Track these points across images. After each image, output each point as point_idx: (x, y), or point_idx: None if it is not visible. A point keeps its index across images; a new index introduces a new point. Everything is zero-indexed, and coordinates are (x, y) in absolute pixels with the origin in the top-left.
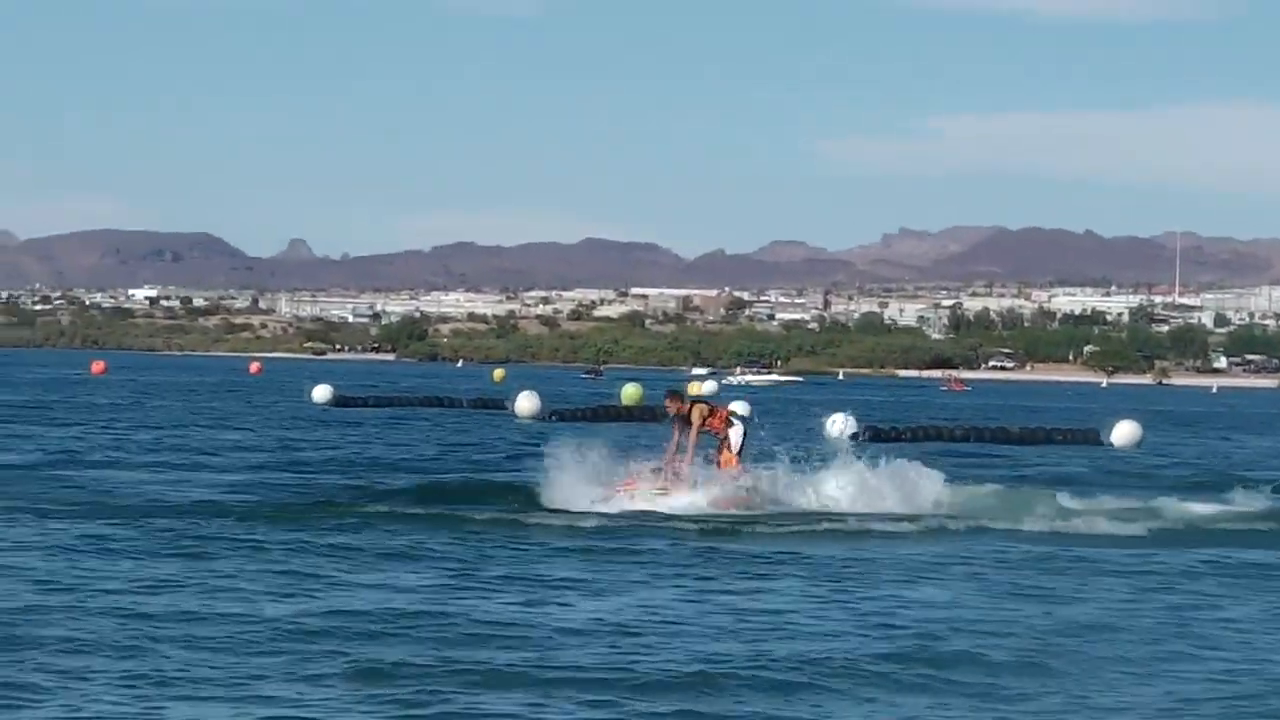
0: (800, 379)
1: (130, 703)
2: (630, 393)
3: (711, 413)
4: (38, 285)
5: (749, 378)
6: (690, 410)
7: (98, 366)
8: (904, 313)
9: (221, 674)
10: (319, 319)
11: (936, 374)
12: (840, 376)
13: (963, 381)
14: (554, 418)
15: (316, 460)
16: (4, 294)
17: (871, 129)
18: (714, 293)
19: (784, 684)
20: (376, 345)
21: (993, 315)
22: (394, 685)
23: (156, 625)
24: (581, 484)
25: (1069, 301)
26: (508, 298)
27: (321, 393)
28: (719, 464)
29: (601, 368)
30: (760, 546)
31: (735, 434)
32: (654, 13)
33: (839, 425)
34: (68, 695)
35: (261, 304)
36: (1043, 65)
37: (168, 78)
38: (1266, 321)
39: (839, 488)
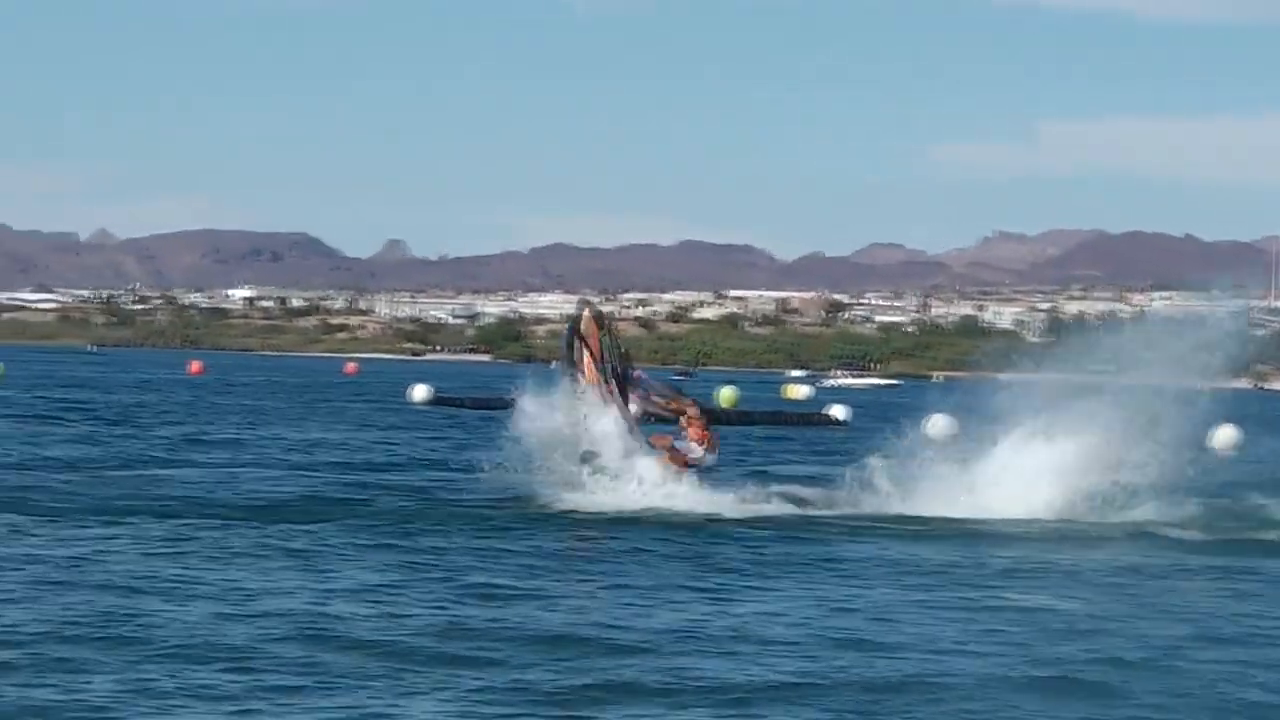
0: (898, 382)
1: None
2: (727, 395)
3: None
4: (136, 285)
5: (846, 380)
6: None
7: (195, 366)
8: (1001, 316)
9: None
10: (416, 320)
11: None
12: (938, 379)
13: None
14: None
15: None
16: (103, 293)
17: (971, 131)
18: (811, 295)
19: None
20: (473, 346)
21: (1090, 319)
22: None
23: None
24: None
25: (1168, 305)
26: (605, 299)
27: (420, 392)
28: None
29: (693, 369)
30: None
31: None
32: (751, 16)
33: (937, 427)
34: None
35: (359, 304)
36: (1143, 68)
37: (268, 79)
38: None
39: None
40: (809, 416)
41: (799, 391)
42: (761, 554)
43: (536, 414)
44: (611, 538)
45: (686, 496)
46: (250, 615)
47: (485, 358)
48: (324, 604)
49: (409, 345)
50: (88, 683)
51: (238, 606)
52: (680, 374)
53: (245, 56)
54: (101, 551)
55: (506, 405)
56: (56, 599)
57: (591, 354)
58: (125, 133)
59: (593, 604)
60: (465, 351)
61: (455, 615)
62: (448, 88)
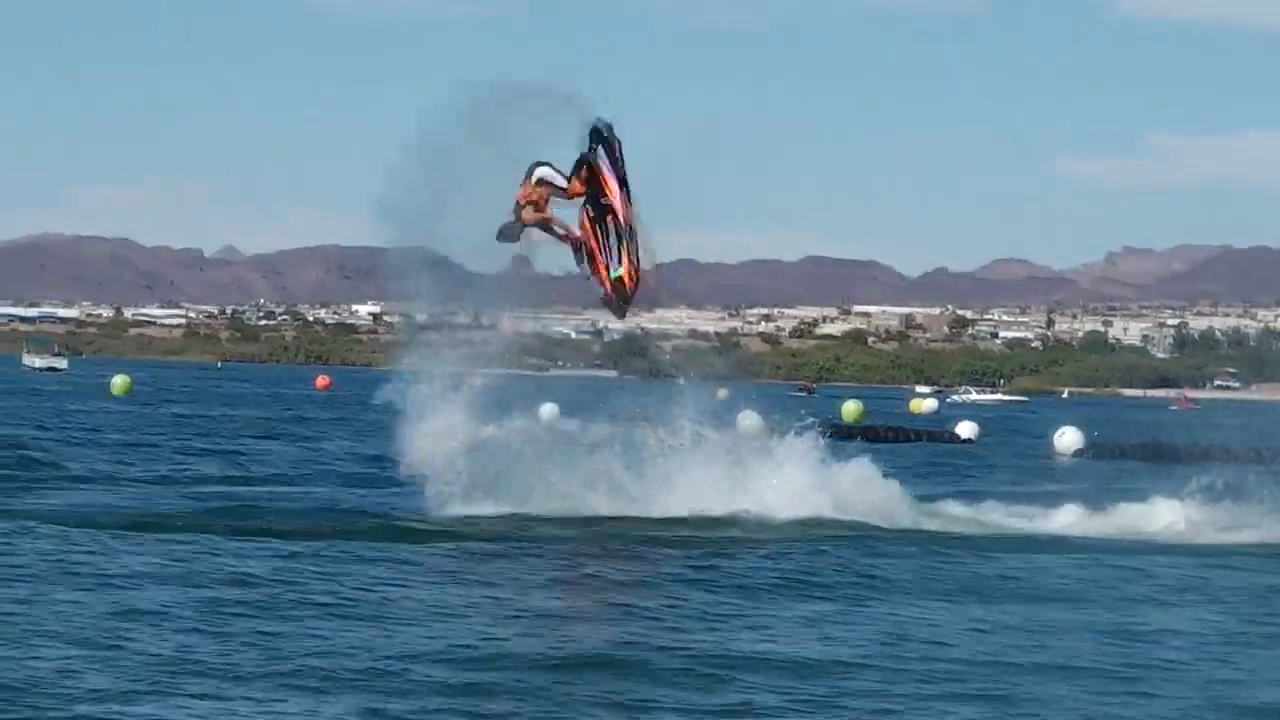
0: (1025, 398)
1: None
2: (851, 410)
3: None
4: (262, 300)
5: (974, 396)
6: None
7: (322, 381)
8: (1128, 331)
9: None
10: (540, 335)
11: (1161, 393)
12: (1064, 395)
13: (1190, 400)
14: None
15: None
16: (229, 309)
17: (1096, 145)
18: (936, 310)
19: None
20: (598, 362)
21: (1218, 334)
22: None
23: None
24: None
25: None
26: (730, 315)
27: (549, 410)
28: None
29: (814, 385)
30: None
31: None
32: (873, 31)
33: (1066, 439)
34: None
35: (484, 320)
36: (1272, 81)
37: (397, 97)
38: None
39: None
40: (933, 434)
41: (925, 407)
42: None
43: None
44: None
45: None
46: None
47: (611, 373)
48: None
49: (533, 361)
50: None
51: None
52: (801, 390)
53: (370, 73)
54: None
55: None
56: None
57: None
58: (253, 149)
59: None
60: (591, 367)
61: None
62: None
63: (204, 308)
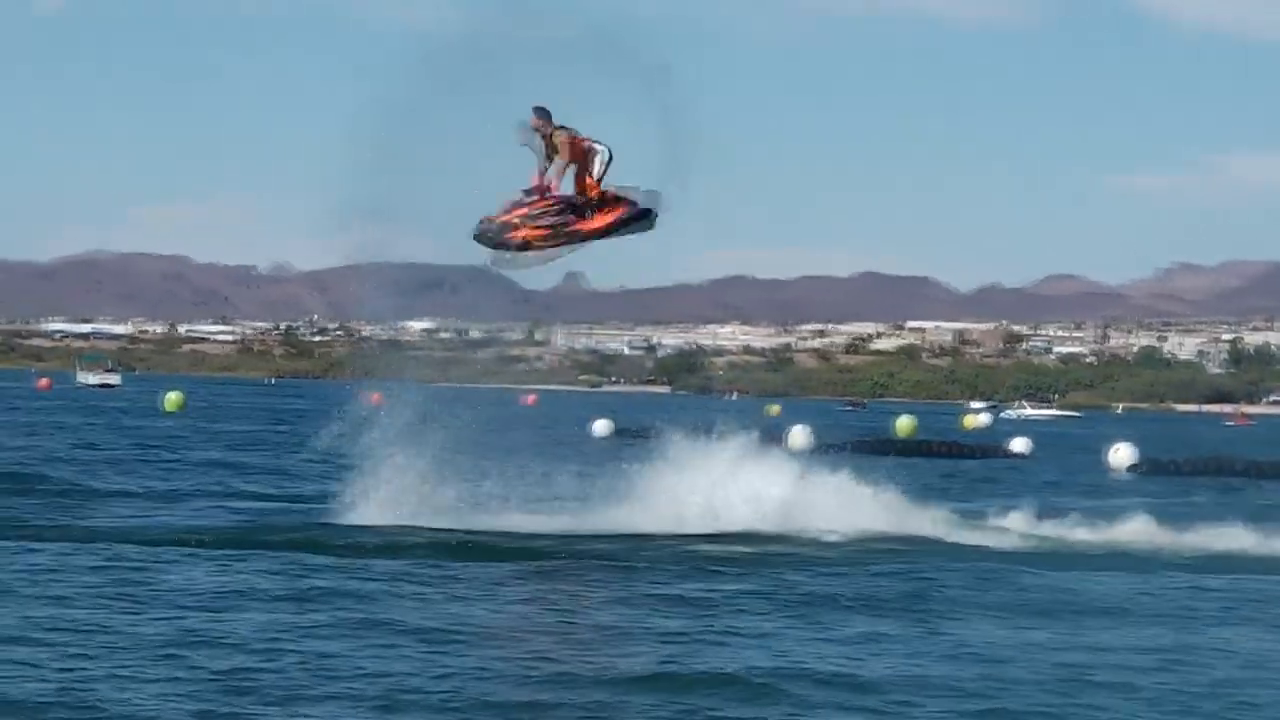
0: (1078, 413)
1: None
2: (905, 426)
3: (572, 143)
4: (315, 316)
5: (1028, 411)
6: (554, 134)
7: (375, 397)
8: (1182, 346)
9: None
10: (594, 351)
11: (1216, 408)
12: (1119, 410)
13: (1246, 415)
14: (825, 450)
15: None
16: (282, 325)
17: (1149, 161)
18: (990, 326)
19: None
20: (651, 378)
21: (1274, 349)
22: None
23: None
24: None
25: None
26: (783, 331)
27: (602, 426)
28: (579, 189)
29: (864, 401)
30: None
31: (599, 161)
32: (922, 44)
33: (1121, 455)
34: None
35: (537, 336)
36: None
37: (444, 109)
38: None
39: None
40: (986, 449)
41: (978, 422)
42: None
43: None
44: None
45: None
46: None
47: (664, 389)
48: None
49: (586, 377)
50: None
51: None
52: (850, 406)
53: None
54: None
55: None
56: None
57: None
58: (305, 167)
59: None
60: (644, 383)
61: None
62: (621, 122)
63: (257, 324)
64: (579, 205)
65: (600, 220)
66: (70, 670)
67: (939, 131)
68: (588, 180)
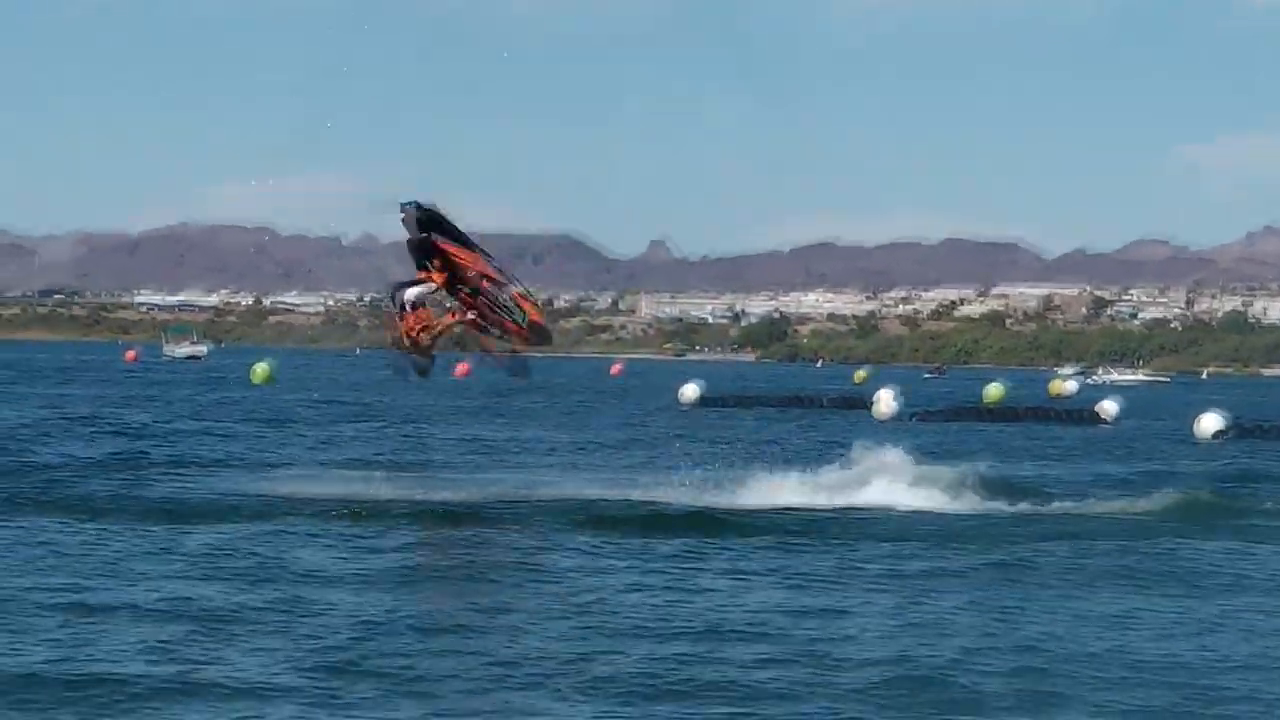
0: (1166, 378)
1: None
2: (993, 393)
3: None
4: None
5: (1114, 377)
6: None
7: (461, 368)
8: (1268, 311)
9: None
10: (679, 320)
11: None
12: (1204, 375)
13: None
14: (914, 418)
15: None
16: (368, 296)
17: (1236, 125)
18: (1075, 291)
19: None
20: (737, 346)
21: None
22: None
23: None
24: None
25: None
26: (868, 298)
27: (690, 391)
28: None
29: (945, 367)
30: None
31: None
32: (1018, 13)
33: (1207, 421)
34: None
35: (622, 305)
36: None
37: (531, 84)
38: None
39: None
40: (1073, 414)
41: (1065, 388)
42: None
43: None
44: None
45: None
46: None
47: (750, 357)
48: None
49: (671, 345)
50: None
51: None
52: (933, 372)
53: (509, 64)
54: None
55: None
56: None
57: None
58: (386, 137)
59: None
60: (730, 351)
61: None
62: (711, 90)
63: (343, 295)
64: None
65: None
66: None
67: (1026, 96)
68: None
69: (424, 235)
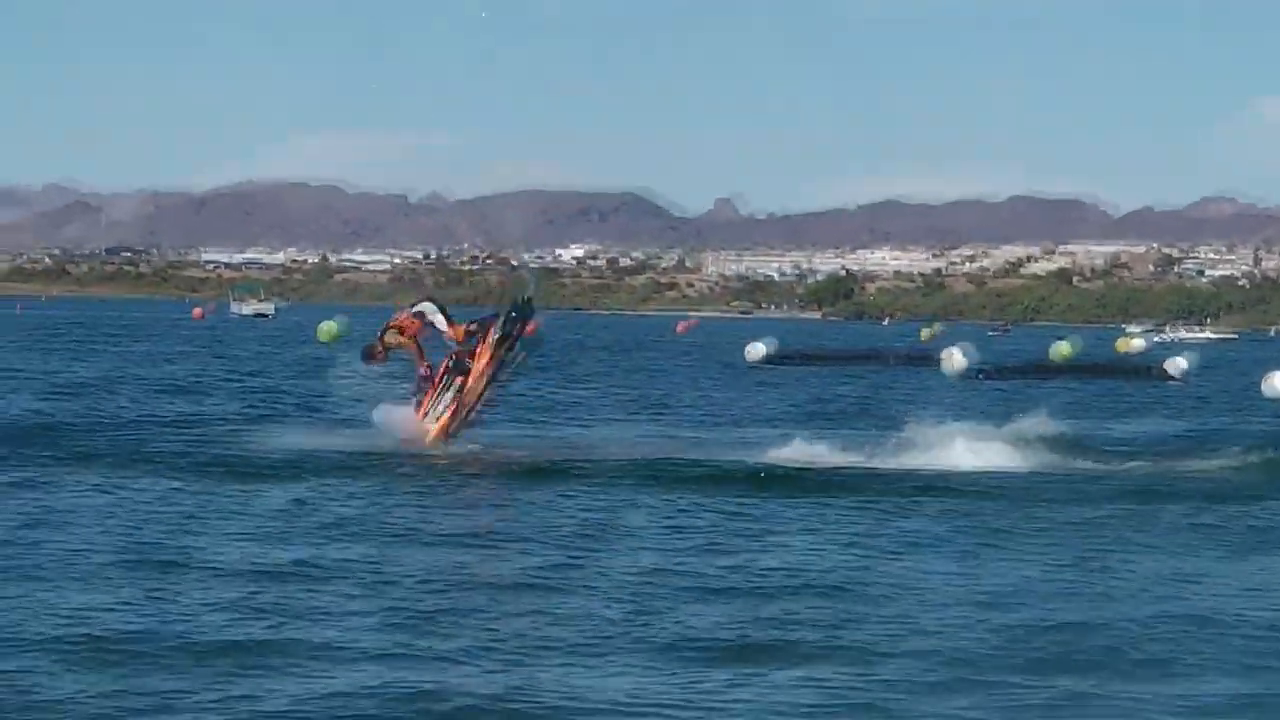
0: (1234, 335)
1: None
2: (1062, 349)
3: (401, 330)
4: (467, 245)
5: (1182, 334)
6: (385, 338)
7: (529, 326)
8: None
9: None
10: (745, 277)
11: None
12: (1273, 333)
13: None
14: (982, 375)
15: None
16: (435, 253)
17: None
18: (1143, 249)
19: None
20: (804, 303)
21: None
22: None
23: None
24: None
25: None
26: (935, 255)
27: (757, 349)
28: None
29: (1010, 324)
30: None
31: (433, 319)
32: None
33: (1275, 381)
34: None
35: (688, 263)
36: None
37: (598, 40)
38: None
39: None
40: (1141, 370)
41: (1133, 345)
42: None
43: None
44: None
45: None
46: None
47: (816, 315)
48: None
49: (738, 303)
50: None
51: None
52: (997, 330)
53: (574, 23)
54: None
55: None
56: None
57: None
58: (453, 94)
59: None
60: (796, 308)
61: None
62: (780, 54)
63: (410, 253)
64: (458, 362)
65: (484, 354)
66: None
67: (1095, 50)
68: (446, 335)
69: (509, 314)
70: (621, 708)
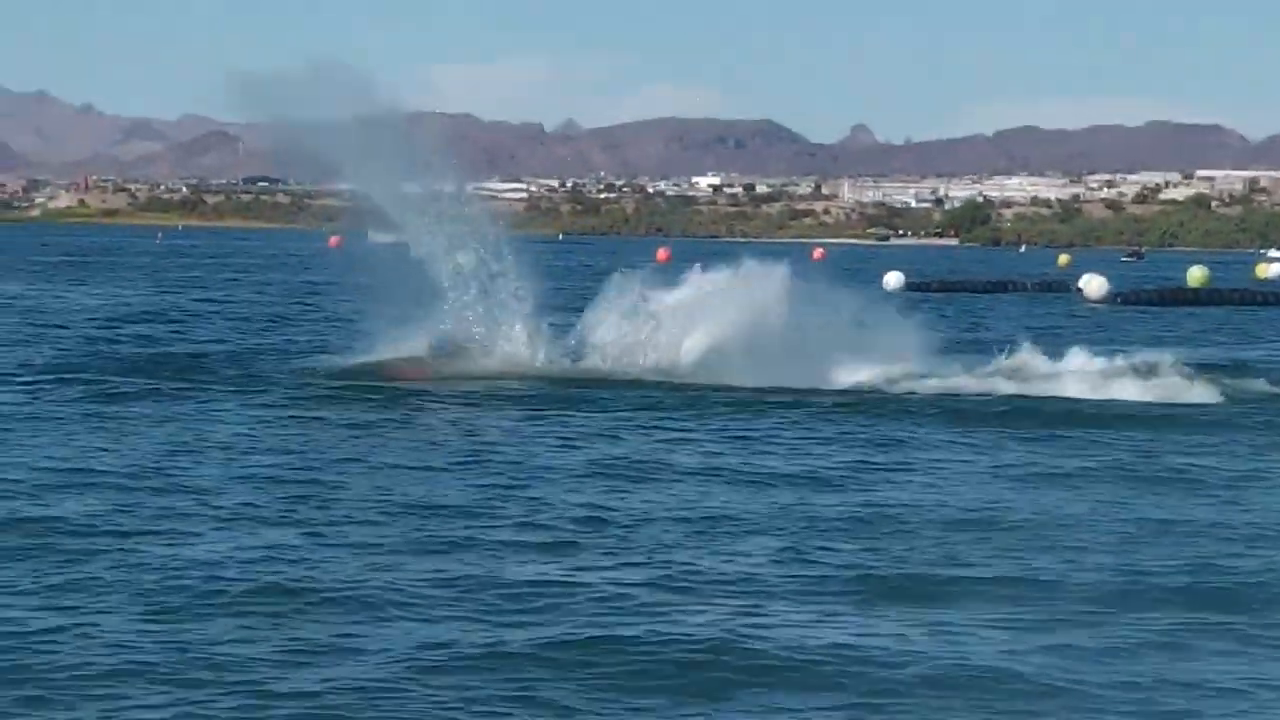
0: None
1: None
2: (1196, 275)
3: None
4: (602, 174)
5: None
6: None
7: (662, 254)
8: None
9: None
10: (881, 205)
11: None
12: None
13: None
14: (1119, 300)
15: None
16: (569, 182)
17: None
18: None
19: None
20: (939, 230)
21: None
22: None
23: None
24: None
25: None
26: (1071, 182)
27: (893, 279)
28: None
29: (1143, 249)
30: None
31: None
32: None
33: None
34: None
35: (824, 190)
36: None
37: None
38: None
39: None
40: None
41: (1272, 272)
42: None
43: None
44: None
45: None
46: None
47: (952, 242)
48: None
49: (874, 230)
50: None
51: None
52: (1130, 255)
53: None
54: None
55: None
56: None
57: None
58: (589, 24)
59: None
60: (931, 236)
61: None
62: None
63: (545, 181)
64: None
65: None
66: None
67: None
68: None
69: None
70: (806, 651)
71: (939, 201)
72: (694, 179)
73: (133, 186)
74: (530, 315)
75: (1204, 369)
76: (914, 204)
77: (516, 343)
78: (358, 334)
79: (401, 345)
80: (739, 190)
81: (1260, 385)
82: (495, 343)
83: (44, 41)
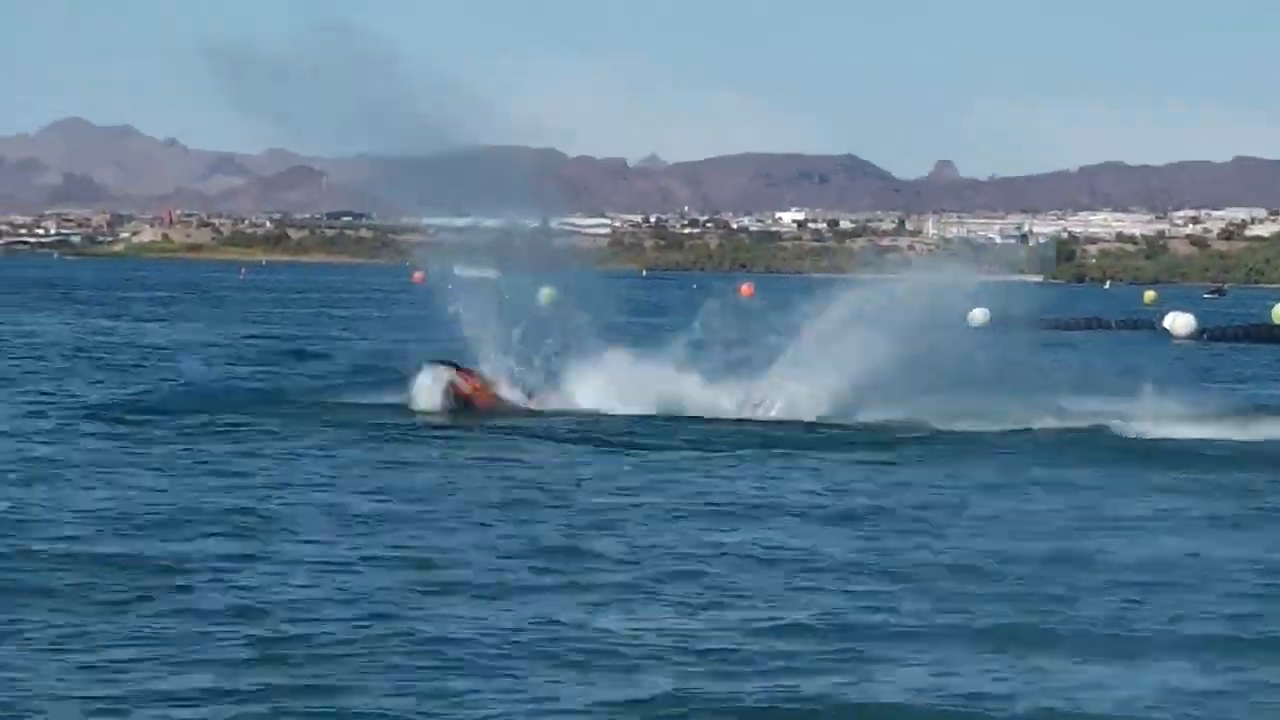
0: None
1: None
2: None
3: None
4: (685, 208)
5: None
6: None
7: (746, 289)
8: None
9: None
10: (965, 240)
11: None
12: None
13: None
14: (1207, 337)
15: None
16: (652, 217)
17: None
18: None
19: None
20: (1024, 267)
21: None
22: None
23: None
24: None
25: None
26: (1156, 218)
27: (979, 314)
28: None
29: (1226, 286)
30: None
31: None
32: None
33: None
34: None
35: (908, 225)
36: None
37: (816, 6)
38: None
39: None
40: None
41: None
42: None
43: None
44: None
45: None
46: None
47: (1037, 278)
48: None
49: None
50: None
51: None
52: (1213, 292)
53: None
54: None
55: None
56: None
57: None
58: (672, 57)
59: None
60: (1017, 273)
61: None
62: (989, 11)
63: (628, 217)
64: None
65: None
66: None
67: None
68: None
69: None
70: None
71: (1025, 237)
72: (777, 214)
73: (217, 221)
74: (610, 351)
75: None
76: (999, 240)
77: (600, 378)
78: (438, 367)
79: (495, 379)
80: (823, 225)
81: None
82: (576, 380)
83: (128, 76)
